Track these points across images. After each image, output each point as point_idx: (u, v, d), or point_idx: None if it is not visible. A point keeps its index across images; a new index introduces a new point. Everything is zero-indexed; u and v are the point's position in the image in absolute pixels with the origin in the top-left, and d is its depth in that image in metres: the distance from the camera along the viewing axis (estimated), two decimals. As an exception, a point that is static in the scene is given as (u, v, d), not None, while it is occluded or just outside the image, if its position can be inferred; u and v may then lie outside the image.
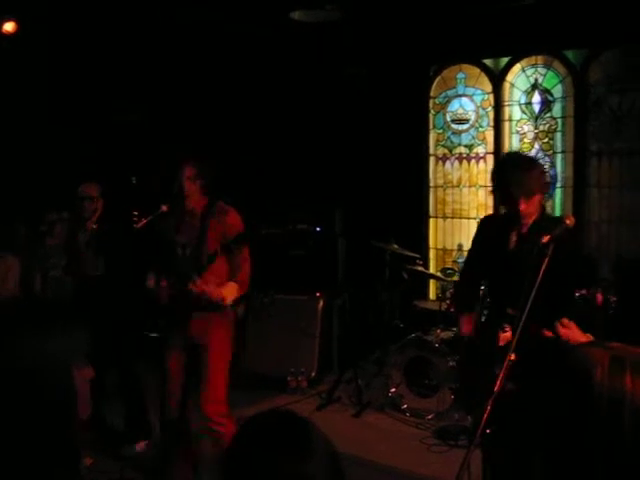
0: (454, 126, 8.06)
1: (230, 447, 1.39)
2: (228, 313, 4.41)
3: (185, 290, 4.11)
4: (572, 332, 2.86)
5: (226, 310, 4.33)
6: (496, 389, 2.43)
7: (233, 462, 1.36)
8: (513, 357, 2.56)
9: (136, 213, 5.52)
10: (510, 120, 7.71)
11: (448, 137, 8.12)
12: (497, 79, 7.68)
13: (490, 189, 6.74)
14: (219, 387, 4.30)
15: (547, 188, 3.36)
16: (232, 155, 7.91)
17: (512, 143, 7.71)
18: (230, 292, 4.19)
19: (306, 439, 1.35)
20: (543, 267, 2.71)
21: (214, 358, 4.31)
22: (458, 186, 8.09)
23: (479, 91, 7.87)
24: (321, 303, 7.01)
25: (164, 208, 4.48)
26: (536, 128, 7.53)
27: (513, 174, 3.27)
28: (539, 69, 7.44)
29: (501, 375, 2.48)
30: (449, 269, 7.97)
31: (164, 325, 4.36)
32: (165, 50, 7.85)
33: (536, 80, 7.46)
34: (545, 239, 2.84)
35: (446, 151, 8.15)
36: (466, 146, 8.01)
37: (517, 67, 7.56)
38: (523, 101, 7.59)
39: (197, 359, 4.34)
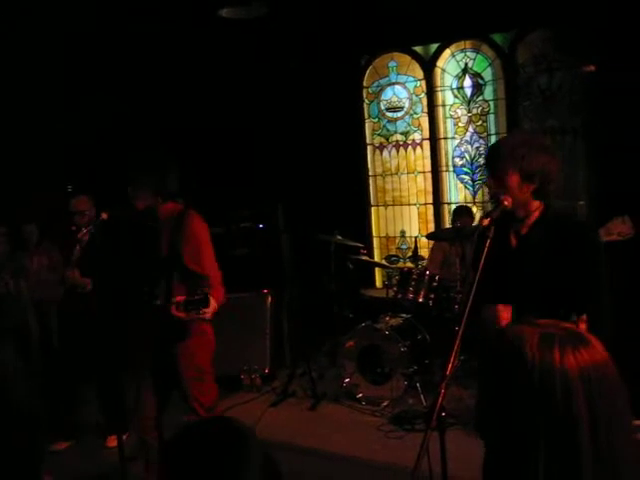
0: (389, 114, 8.13)
1: (164, 458, 1.37)
2: None
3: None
4: None
5: None
6: (448, 372, 2.46)
7: (167, 474, 1.35)
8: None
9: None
10: (443, 105, 7.81)
11: (384, 125, 8.18)
12: (428, 65, 7.76)
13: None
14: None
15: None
16: (171, 156, 7.82)
17: (447, 128, 7.81)
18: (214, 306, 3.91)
19: (241, 447, 1.33)
20: (485, 250, 2.75)
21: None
22: (397, 173, 8.17)
23: (411, 78, 7.95)
24: (269, 299, 6.99)
25: (104, 216, 4.39)
26: (469, 112, 7.65)
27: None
28: (468, 53, 7.54)
29: (452, 358, 2.51)
30: (393, 256, 8.07)
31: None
32: (95, 53, 7.71)
33: (466, 64, 7.56)
34: (485, 222, 2.86)
35: (383, 140, 8.22)
36: (402, 133, 8.09)
37: (447, 52, 7.65)
38: (455, 86, 7.69)
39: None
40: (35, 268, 6.73)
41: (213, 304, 3.78)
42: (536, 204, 3.04)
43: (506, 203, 2.96)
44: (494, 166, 3.01)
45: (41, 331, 6.72)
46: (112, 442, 5.35)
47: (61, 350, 5.91)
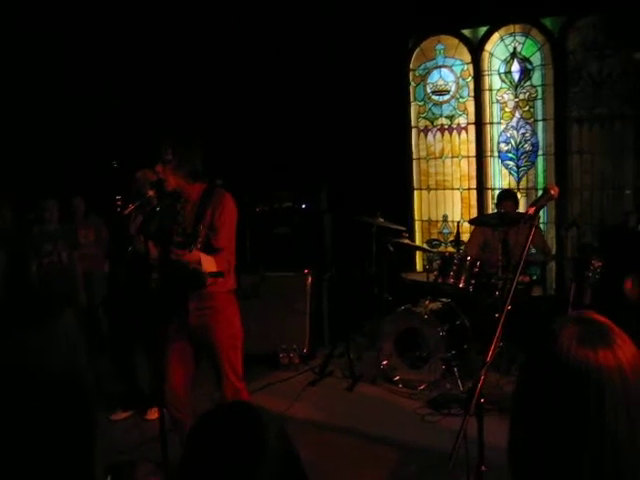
0: (435, 97, 8.08)
1: (184, 447, 1.36)
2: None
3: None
4: None
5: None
6: (488, 359, 2.48)
7: (184, 464, 1.34)
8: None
9: (119, 198, 5.48)
10: (490, 90, 7.74)
11: (429, 109, 8.14)
12: (476, 49, 7.69)
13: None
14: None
15: None
16: (216, 135, 7.89)
17: (493, 112, 7.75)
18: (207, 259, 3.93)
19: (257, 441, 1.31)
20: (530, 237, 2.77)
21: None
22: (441, 157, 8.13)
23: (458, 61, 7.88)
24: (310, 279, 7.04)
25: (150, 193, 4.39)
26: (516, 97, 7.57)
27: None
28: (517, 38, 7.45)
29: (492, 345, 2.52)
30: (435, 240, 8.05)
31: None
32: (144, 35, 7.80)
33: (515, 49, 7.48)
34: (531, 210, 2.89)
35: (428, 123, 8.17)
36: (447, 117, 8.04)
37: (495, 36, 7.57)
38: (502, 70, 7.61)
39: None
40: (82, 242, 6.88)
41: (196, 253, 3.82)
42: None
43: (552, 192, 2.99)
44: None
45: (87, 304, 6.88)
46: (153, 414, 5.43)
47: (114, 323, 5.98)
